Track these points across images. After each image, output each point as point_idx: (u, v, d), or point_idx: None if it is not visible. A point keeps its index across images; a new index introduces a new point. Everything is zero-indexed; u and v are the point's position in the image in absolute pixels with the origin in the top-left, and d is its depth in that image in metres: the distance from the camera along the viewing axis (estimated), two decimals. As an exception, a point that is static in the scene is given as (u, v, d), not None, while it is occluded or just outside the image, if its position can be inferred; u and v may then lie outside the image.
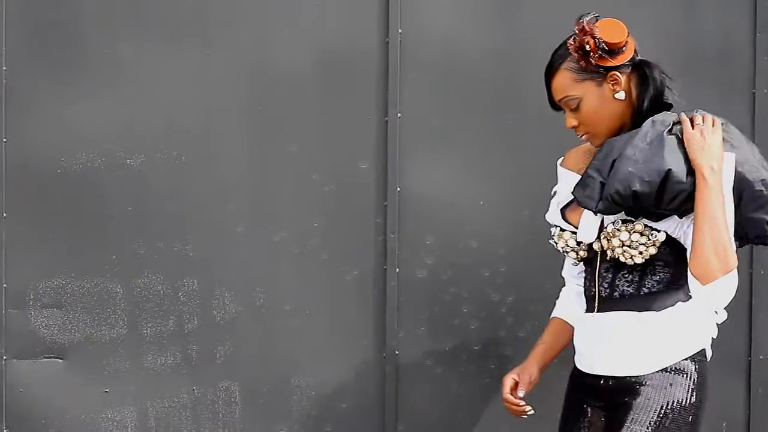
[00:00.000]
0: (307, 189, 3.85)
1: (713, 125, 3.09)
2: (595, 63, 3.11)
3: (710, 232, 3.02)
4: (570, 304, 3.39)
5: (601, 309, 3.18)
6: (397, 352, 3.89)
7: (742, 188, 3.12)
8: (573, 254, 3.23)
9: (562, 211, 3.27)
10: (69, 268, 3.76)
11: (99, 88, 3.74)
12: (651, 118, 3.13)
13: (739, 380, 4.03)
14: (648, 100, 3.16)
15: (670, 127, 3.11)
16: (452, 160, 3.88)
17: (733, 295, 3.09)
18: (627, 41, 3.17)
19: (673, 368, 3.11)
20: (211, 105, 3.80)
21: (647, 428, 3.07)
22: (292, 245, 3.86)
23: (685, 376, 3.11)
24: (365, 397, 3.90)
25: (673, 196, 3.02)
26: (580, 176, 3.17)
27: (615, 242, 3.11)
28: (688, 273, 3.07)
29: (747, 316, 4.01)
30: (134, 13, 3.75)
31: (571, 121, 3.18)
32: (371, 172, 3.86)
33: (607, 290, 3.17)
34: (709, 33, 3.96)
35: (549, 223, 3.31)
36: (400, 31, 3.84)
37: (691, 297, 3.12)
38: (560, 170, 3.34)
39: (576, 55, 3.12)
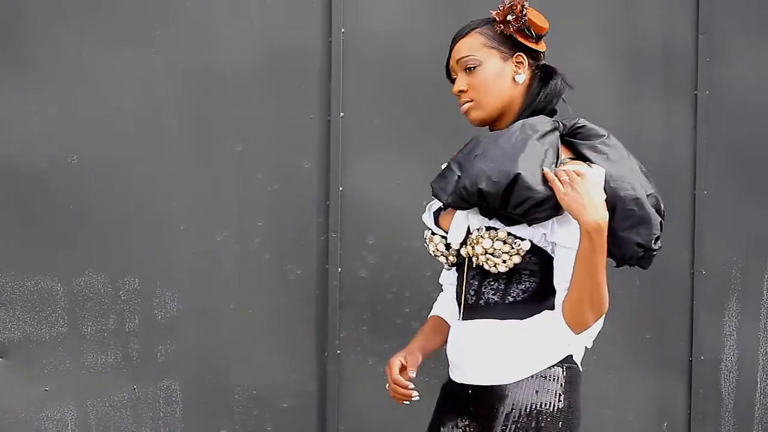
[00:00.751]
0: (250, 188, 3.85)
1: (579, 176, 2.92)
2: (510, 31, 3.08)
3: (590, 289, 2.95)
4: (447, 308, 3.32)
5: (467, 317, 3.10)
6: (338, 351, 3.89)
7: (614, 203, 3.03)
8: (443, 259, 3.16)
9: (436, 214, 3.19)
10: (9, 266, 3.74)
11: (40, 87, 3.72)
12: (523, 120, 3.07)
13: (681, 381, 4.04)
14: (543, 98, 3.12)
15: (540, 133, 3.07)
16: (395, 159, 3.88)
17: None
18: (544, 39, 3.15)
19: (540, 375, 3.07)
20: (155, 104, 3.79)
21: None
22: (235, 244, 3.85)
23: (553, 380, 3.07)
24: (307, 396, 3.89)
25: (518, 202, 2.94)
26: None
27: (478, 249, 3.03)
28: (560, 316, 3.02)
29: (688, 317, 4.03)
30: (76, 12, 3.73)
31: (461, 84, 3.10)
32: (314, 172, 3.86)
33: (474, 298, 3.10)
34: (652, 35, 3.98)
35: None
36: (342, 30, 3.84)
37: (555, 307, 3.11)
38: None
39: (498, 18, 3.09)
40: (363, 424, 3.90)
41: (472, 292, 3.11)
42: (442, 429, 3.19)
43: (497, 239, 3.02)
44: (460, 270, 3.16)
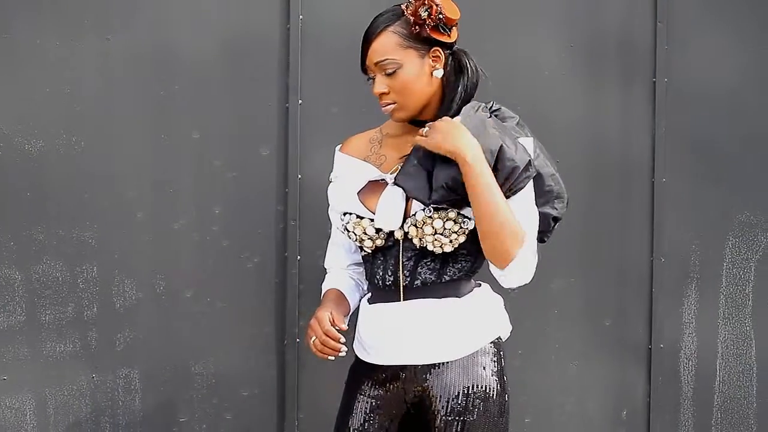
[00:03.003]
0: (208, 175, 3.84)
1: (447, 123, 3.01)
2: (427, 33, 3.08)
3: (495, 215, 2.97)
4: (347, 286, 3.31)
5: (405, 298, 3.11)
6: (297, 339, 3.89)
7: (534, 180, 3.10)
8: (368, 243, 3.16)
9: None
10: (-34, 254, 3.74)
11: (-3, 73, 3.72)
12: (467, 106, 3.11)
13: (640, 369, 4.05)
14: (463, 87, 3.14)
15: (487, 114, 3.10)
16: (353, 147, 3.87)
17: (536, 263, 3.06)
18: (457, 24, 3.14)
19: (479, 352, 3.09)
20: (112, 90, 3.78)
21: (458, 416, 3.06)
22: (193, 232, 3.84)
23: (490, 358, 3.09)
24: (266, 385, 3.89)
25: (507, 175, 2.99)
26: (398, 166, 3.13)
27: (427, 230, 3.05)
28: (489, 262, 3.06)
29: (647, 304, 4.03)
30: (32, -3, 3.73)
31: (381, 87, 3.11)
32: (272, 159, 3.85)
33: (408, 278, 3.12)
34: (611, 22, 3.98)
35: (336, 213, 3.25)
36: (301, 17, 3.84)
37: (481, 284, 3.14)
38: (341, 156, 3.28)
39: (412, 18, 3.08)
40: (322, 412, 3.88)
41: (407, 273, 3.12)
42: (358, 412, 3.19)
43: (448, 219, 3.04)
44: (383, 253, 3.16)
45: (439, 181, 3.01)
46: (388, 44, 3.09)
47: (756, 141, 4.07)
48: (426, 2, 3.07)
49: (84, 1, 3.75)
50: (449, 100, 3.13)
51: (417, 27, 3.07)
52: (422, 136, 3.04)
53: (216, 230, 3.84)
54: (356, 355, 3.25)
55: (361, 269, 3.31)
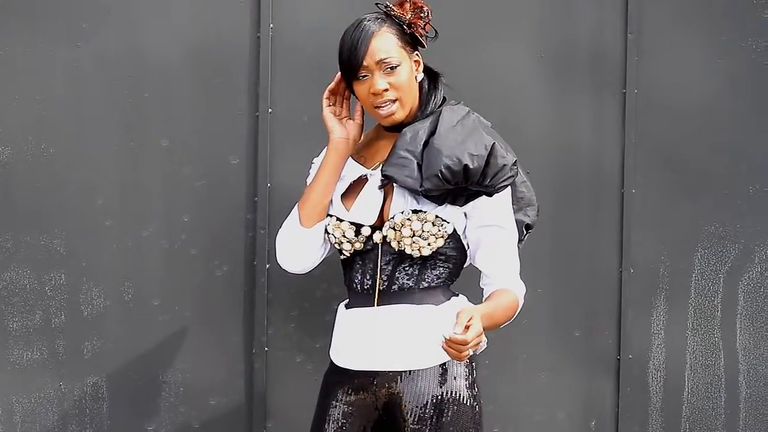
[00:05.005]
0: (177, 183, 3.83)
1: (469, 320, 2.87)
2: (418, 36, 3.17)
3: (503, 323, 3.13)
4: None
5: (380, 303, 3.14)
6: (266, 348, 3.88)
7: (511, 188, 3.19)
8: (347, 246, 3.18)
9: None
10: (-67, 260, 3.72)
11: (-35, 79, 3.71)
12: (445, 107, 3.18)
13: (609, 379, 4.05)
14: (440, 90, 3.23)
15: (466, 113, 3.16)
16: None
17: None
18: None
19: (452, 362, 3.10)
20: (81, 97, 3.77)
21: (428, 424, 3.06)
22: (162, 240, 3.83)
23: (464, 367, 3.11)
24: (234, 394, 3.88)
25: (496, 171, 3.04)
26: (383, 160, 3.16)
27: (406, 232, 3.08)
28: (482, 275, 3.17)
29: (616, 315, 4.03)
30: (0, 4, 3.71)
31: (383, 83, 3.14)
32: (242, 168, 3.85)
33: (386, 283, 3.14)
34: (581, 33, 3.99)
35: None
36: (271, 25, 3.83)
37: (459, 295, 3.20)
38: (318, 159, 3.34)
39: (412, 16, 3.14)
40: (290, 421, 3.88)
41: (385, 278, 3.13)
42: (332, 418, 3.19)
43: (426, 221, 3.07)
44: (362, 256, 3.17)
45: (431, 170, 3.03)
46: (388, 42, 3.14)
47: (726, 153, 4.07)
48: (419, 6, 3.13)
49: (54, 7, 3.74)
50: (427, 102, 3.17)
51: (413, 29, 3.14)
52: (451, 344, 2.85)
53: (185, 238, 3.83)
54: (331, 361, 3.25)
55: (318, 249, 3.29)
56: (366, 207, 3.14)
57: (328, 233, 3.19)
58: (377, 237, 3.14)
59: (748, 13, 4.02)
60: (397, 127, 3.18)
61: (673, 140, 4.04)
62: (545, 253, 3.98)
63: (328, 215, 3.20)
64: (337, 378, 3.21)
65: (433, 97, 3.20)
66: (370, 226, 3.14)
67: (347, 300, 3.25)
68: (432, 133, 3.10)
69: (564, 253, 4.00)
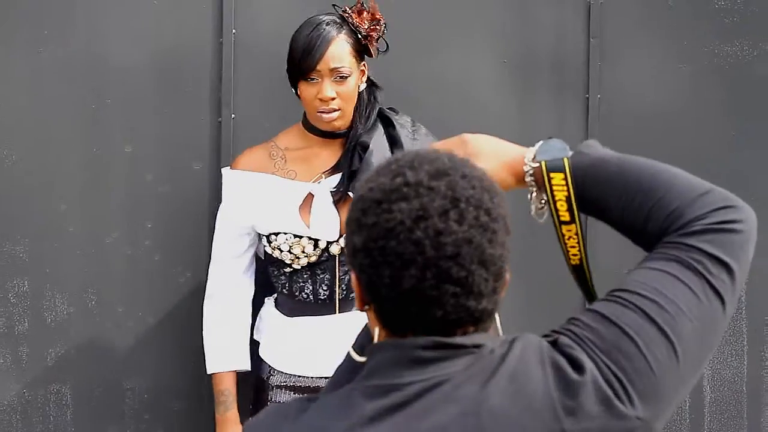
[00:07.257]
0: (140, 190, 3.83)
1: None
2: (370, 48, 3.18)
3: None
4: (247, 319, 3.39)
5: (342, 311, 3.20)
6: (230, 354, 3.87)
7: None
8: (304, 260, 3.21)
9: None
10: None
11: (-73, 86, 3.70)
12: (394, 119, 3.23)
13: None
14: (378, 101, 3.26)
15: (421, 127, 3.19)
16: (286, 161, 3.87)
17: None
18: None
19: None
20: (43, 104, 3.77)
21: None
22: (125, 246, 3.83)
23: None
24: (198, 399, 3.87)
25: None
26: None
27: None
28: None
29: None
30: (-38, 10, 3.72)
31: (332, 92, 3.16)
32: (205, 174, 3.85)
33: (345, 292, 3.18)
34: (544, 38, 3.99)
35: (248, 234, 3.35)
36: (234, 31, 3.84)
37: None
38: (240, 175, 3.34)
39: (369, 28, 3.15)
40: (254, 428, 3.87)
41: (344, 287, 3.15)
42: None
43: None
44: (315, 268, 3.18)
45: None
46: (344, 51, 3.16)
47: (688, 158, 4.06)
48: (377, 18, 3.14)
49: (15, 13, 3.74)
50: (369, 113, 3.18)
51: (367, 41, 3.15)
52: None
53: (148, 244, 3.83)
54: (271, 369, 3.25)
55: (249, 281, 3.30)
56: (325, 223, 3.17)
57: (282, 251, 3.20)
58: (335, 249, 3.16)
59: (709, 17, 4.03)
60: (332, 134, 3.21)
61: (636, 145, 4.01)
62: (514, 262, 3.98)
63: (279, 233, 3.21)
64: (290, 384, 3.22)
65: (374, 109, 3.23)
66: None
67: (285, 308, 3.26)
68: (393, 143, 3.12)
69: (527, 259, 4.00)
